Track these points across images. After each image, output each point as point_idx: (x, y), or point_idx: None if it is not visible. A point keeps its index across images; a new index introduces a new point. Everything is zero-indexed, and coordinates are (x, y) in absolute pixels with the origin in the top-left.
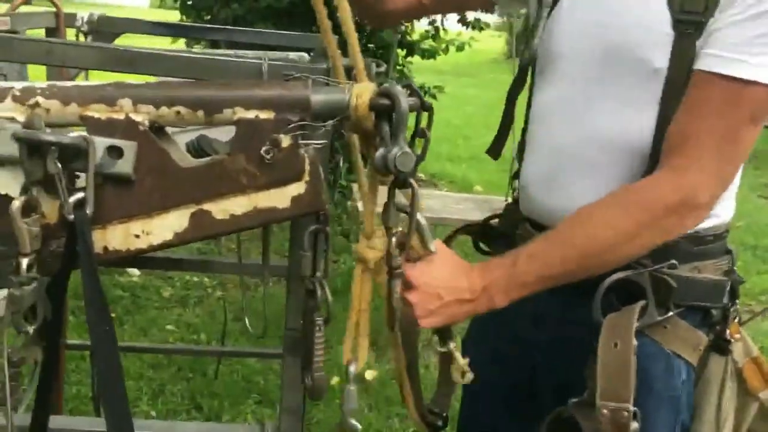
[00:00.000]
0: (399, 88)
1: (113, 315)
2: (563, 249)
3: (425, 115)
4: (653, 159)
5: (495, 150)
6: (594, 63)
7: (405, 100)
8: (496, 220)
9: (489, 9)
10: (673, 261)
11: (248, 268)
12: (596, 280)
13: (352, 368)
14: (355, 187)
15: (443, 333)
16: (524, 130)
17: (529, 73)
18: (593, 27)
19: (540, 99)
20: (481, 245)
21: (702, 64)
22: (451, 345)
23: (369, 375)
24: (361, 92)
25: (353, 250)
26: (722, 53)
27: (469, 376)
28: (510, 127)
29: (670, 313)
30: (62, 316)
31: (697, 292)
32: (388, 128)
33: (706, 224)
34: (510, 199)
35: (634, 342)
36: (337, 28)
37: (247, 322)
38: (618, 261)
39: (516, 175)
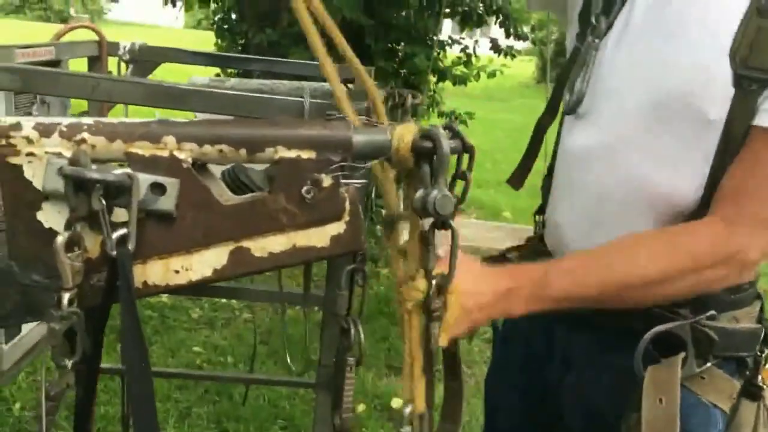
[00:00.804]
0: (441, 130)
1: None
2: (602, 272)
3: (466, 155)
4: (703, 210)
5: (517, 181)
6: (643, 110)
7: (447, 143)
8: (515, 253)
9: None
10: (713, 312)
11: (288, 298)
12: (628, 326)
13: (407, 410)
14: (382, 212)
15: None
16: (551, 167)
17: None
18: (644, 72)
19: (578, 140)
20: None
21: (762, 119)
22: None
23: (395, 403)
24: (404, 134)
25: (398, 293)
26: None
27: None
28: (535, 160)
29: (708, 365)
30: (101, 349)
31: (735, 343)
32: (429, 170)
33: None
34: (532, 233)
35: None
36: (359, 49)
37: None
38: (654, 299)
39: (540, 210)
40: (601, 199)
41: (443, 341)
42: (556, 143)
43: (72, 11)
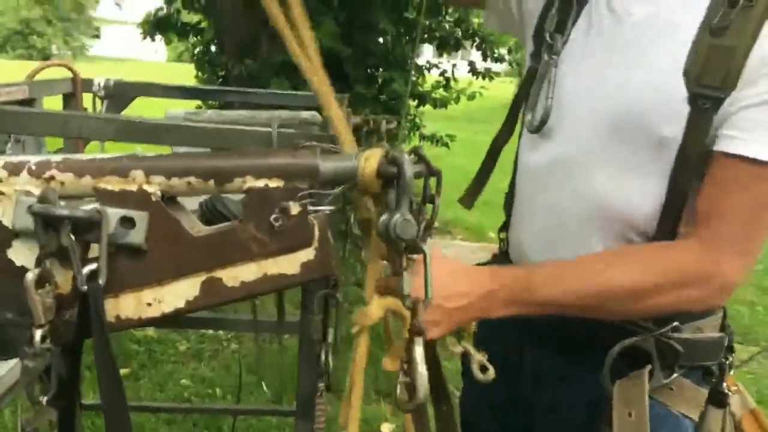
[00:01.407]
0: (405, 156)
1: (129, 370)
2: (583, 281)
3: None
4: (662, 228)
5: (468, 200)
6: (599, 128)
7: (411, 168)
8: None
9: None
10: (677, 323)
11: (263, 326)
12: (595, 341)
13: None
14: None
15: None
16: (512, 184)
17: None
18: (601, 91)
19: (537, 158)
20: None
21: (725, 145)
22: (460, 347)
23: (385, 428)
24: (369, 159)
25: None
26: (744, 135)
27: (491, 372)
28: (488, 178)
29: (675, 375)
30: (77, 384)
31: (700, 352)
32: (394, 195)
33: None
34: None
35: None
36: (338, 76)
37: (264, 386)
38: (636, 313)
39: (504, 227)
40: (560, 217)
41: (387, 365)
42: (516, 161)
43: (54, 48)
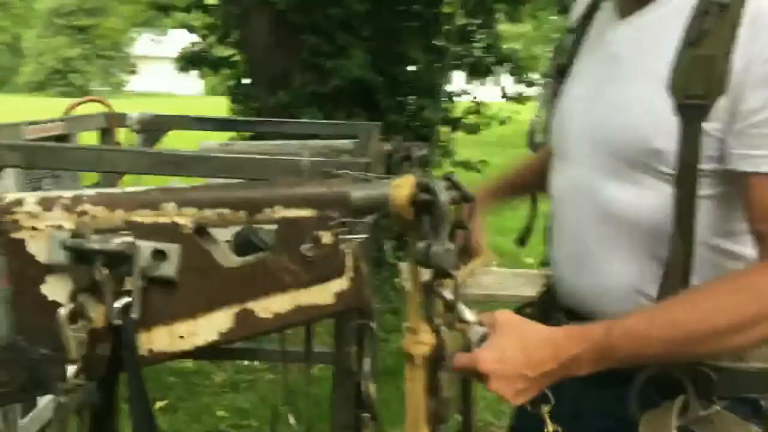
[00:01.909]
0: (439, 182)
1: (167, 402)
2: (666, 329)
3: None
4: (677, 235)
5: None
6: (601, 148)
7: (445, 194)
8: (528, 309)
9: None
10: None
11: (292, 356)
12: (632, 371)
13: None
14: (401, 265)
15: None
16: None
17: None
18: (596, 115)
19: (558, 182)
20: None
21: (755, 166)
22: (543, 408)
23: None
24: (402, 187)
25: (403, 345)
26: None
27: None
28: (536, 215)
29: (716, 408)
30: (114, 417)
31: (743, 383)
32: (428, 222)
33: None
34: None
35: None
36: (370, 105)
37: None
38: (726, 350)
39: (547, 262)
40: (580, 234)
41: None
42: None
43: (93, 86)
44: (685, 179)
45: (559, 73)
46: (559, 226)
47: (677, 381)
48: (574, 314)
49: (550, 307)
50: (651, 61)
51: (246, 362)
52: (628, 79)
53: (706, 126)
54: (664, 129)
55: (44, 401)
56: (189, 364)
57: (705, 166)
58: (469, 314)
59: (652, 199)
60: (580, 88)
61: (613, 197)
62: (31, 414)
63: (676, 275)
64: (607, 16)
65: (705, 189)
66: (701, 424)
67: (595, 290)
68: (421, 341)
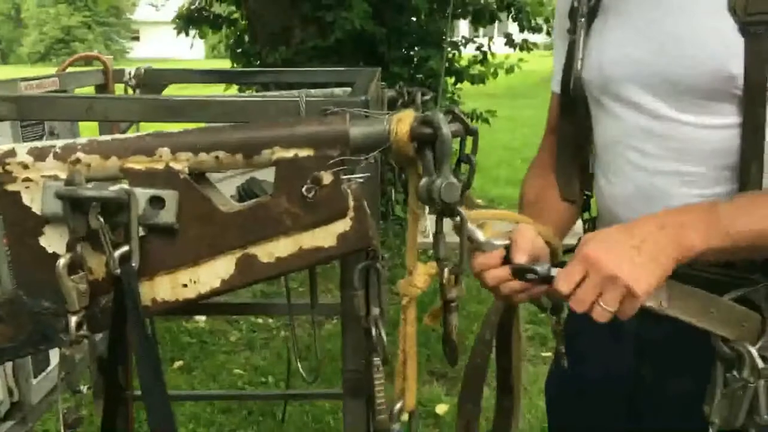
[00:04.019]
0: (440, 114)
1: (182, 362)
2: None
3: (470, 140)
4: (744, 158)
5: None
6: (667, 83)
7: (447, 127)
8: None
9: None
10: None
11: (298, 309)
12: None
13: (397, 407)
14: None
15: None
16: (585, 164)
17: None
18: (656, 46)
19: (610, 129)
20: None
21: None
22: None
23: (440, 409)
24: (402, 122)
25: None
26: None
27: None
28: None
29: None
30: (126, 373)
31: None
32: (432, 157)
33: None
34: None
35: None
36: (373, 58)
37: (300, 367)
38: None
39: (585, 207)
40: (646, 172)
41: (427, 321)
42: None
43: (95, 53)
44: (754, 103)
45: (590, 13)
46: (618, 167)
47: (754, 306)
48: None
49: None
50: None
51: (260, 320)
52: (684, 8)
53: None
54: (733, 51)
55: (56, 360)
56: (203, 324)
57: None
58: (480, 234)
59: (727, 123)
60: (624, 29)
61: (683, 129)
62: (43, 374)
63: None
64: None
65: None
66: None
67: None
68: (414, 284)
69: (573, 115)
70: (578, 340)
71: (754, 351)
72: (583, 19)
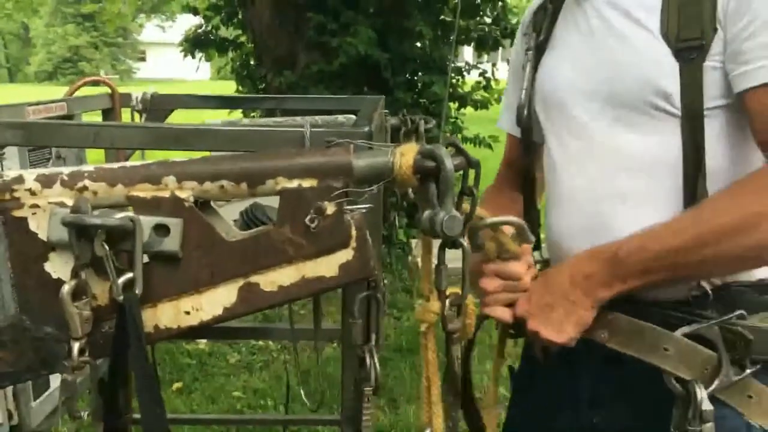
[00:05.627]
0: (443, 148)
1: (181, 384)
2: (673, 238)
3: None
4: (688, 175)
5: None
6: (607, 103)
7: (450, 161)
8: None
9: None
10: (742, 311)
11: (301, 334)
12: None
13: None
14: (413, 242)
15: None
16: (534, 201)
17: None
18: (596, 71)
19: (557, 150)
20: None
21: (744, 82)
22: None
23: None
24: (405, 154)
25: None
26: (759, 63)
27: None
28: (534, 193)
29: (748, 371)
30: (127, 396)
31: None
32: (435, 190)
33: None
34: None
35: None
36: (377, 83)
37: (303, 395)
38: (734, 256)
39: (536, 247)
40: (591, 196)
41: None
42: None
43: (102, 73)
44: (693, 121)
45: (539, 45)
46: (563, 193)
47: (708, 343)
48: None
49: None
50: (638, 11)
51: (260, 342)
52: (619, 30)
53: (708, 64)
54: (667, 71)
55: (57, 383)
56: (203, 345)
57: (711, 104)
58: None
59: (666, 139)
60: (563, 51)
61: (624, 147)
62: (42, 397)
63: None
64: None
65: (714, 126)
66: (739, 398)
67: None
68: (430, 309)
69: (525, 149)
70: (533, 391)
71: (703, 393)
72: (530, 53)
